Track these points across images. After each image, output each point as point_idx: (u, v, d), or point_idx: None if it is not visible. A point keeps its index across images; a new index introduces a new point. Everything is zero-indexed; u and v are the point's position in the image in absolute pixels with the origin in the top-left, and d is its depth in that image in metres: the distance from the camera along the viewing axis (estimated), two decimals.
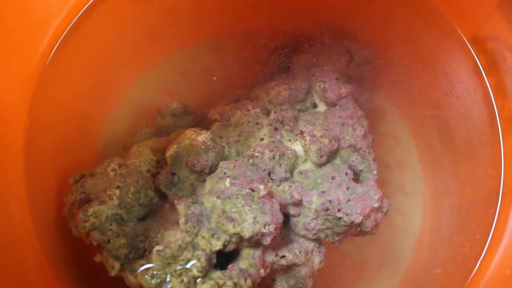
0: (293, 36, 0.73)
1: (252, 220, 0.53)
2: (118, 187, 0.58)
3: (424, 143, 0.74)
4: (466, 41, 0.68)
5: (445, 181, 0.72)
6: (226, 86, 0.73)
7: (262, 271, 0.56)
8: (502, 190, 0.66)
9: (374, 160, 0.63)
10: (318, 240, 0.61)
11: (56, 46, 0.66)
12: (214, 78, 0.72)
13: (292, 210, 0.59)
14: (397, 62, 0.73)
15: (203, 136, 0.60)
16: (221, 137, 0.63)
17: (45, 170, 0.65)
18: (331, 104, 0.66)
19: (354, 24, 0.72)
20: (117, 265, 0.56)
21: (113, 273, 0.56)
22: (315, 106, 0.68)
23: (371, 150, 0.64)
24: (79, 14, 0.68)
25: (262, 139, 0.63)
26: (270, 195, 0.56)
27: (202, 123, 0.68)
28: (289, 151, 0.61)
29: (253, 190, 0.55)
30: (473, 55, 0.68)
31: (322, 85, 0.66)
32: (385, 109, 0.75)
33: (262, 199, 0.55)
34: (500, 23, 0.64)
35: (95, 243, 0.57)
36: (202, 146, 0.59)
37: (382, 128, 0.75)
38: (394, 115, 0.75)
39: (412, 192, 0.74)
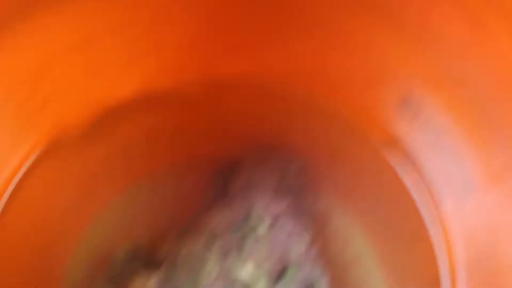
0: (229, 160, 0.75)
1: None
2: None
3: (374, 235, 0.75)
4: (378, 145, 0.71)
5: (403, 267, 0.73)
6: (170, 221, 0.74)
7: None
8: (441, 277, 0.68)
9: (323, 269, 0.64)
10: None
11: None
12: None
13: None
14: (330, 171, 0.75)
15: (150, 283, 0.61)
16: (171, 280, 0.63)
17: None
18: (271, 224, 0.68)
19: (284, 141, 0.74)
20: None
21: None
22: (257, 227, 0.69)
23: (318, 260, 0.65)
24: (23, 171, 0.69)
25: (210, 273, 0.64)
26: None
27: (154, 263, 0.69)
28: (239, 280, 0.62)
29: None
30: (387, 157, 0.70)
31: (260, 205, 0.68)
32: (331, 210, 0.76)
33: None
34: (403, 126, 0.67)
35: None
36: None
37: (331, 228, 0.76)
38: (341, 213, 0.76)
39: (373, 284, 0.74)
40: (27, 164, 0.69)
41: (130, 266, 0.70)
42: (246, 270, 0.63)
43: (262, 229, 0.68)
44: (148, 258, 0.70)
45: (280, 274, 0.63)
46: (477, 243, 0.66)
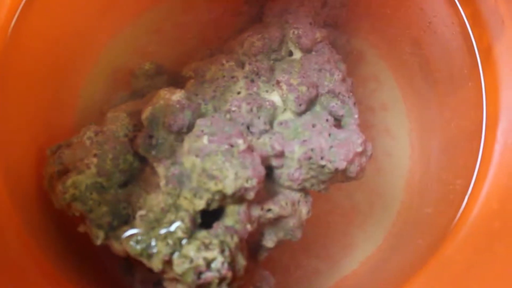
0: None
1: (234, 176, 0.52)
2: (95, 155, 0.57)
3: (406, 82, 0.73)
4: None
5: (430, 118, 0.71)
6: (199, 42, 0.71)
7: (248, 226, 0.55)
8: (485, 123, 0.65)
9: (355, 104, 0.62)
10: (303, 190, 0.60)
11: (18, 12, 0.63)
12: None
13: (274, 162, 0.58)
14: (372, 2, 0.71)
15: (177, 95, 0.59)
16: (196, 95, 0.61)
17: (20, 144, 0.63)
18: (306, 51, 0.65)
19: None
20: (101, 234, 0.55)
21: (98, 242, 0.55)
22: (290, 54, 0.66)
23: (351, 94, 0.63)
24: None
25: (239, 93, 0.61)
26: (250, 149, 0.55)
27: (177, 81, 0.67)
28: (267, 102, 0.60)
29: (232, 146, 0.54)
30: None
31: (295, 32, 0.65)
32: (364, 51, 0.74)
33: (242, 153, 0.54)
34: None
35: (77, 214, 0.56)
36: (177, 105, 0.58)
37: (362, 71, 0.74)
38: (374, 56, 0.73)
39: (398, 133, 0.73)
40: None
41: (154, 81, 0.68)
42: (275, 93, 0.61)
43: (295, 56, 0.65)
44: (172, 75, 0.68)
45: (310, 102, 0.61)
46: None
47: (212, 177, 0.52)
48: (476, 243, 0.62)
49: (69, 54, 0.69)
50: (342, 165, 0.57)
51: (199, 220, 0.54)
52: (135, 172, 0.58)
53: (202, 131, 0.55)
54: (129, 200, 0.56)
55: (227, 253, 0.52)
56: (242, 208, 0.55)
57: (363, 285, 0.70)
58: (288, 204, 0.58)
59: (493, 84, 0.65)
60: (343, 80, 0.63)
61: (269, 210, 0.57)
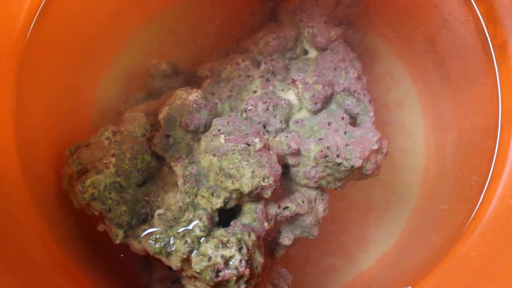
0: None
1: (251, 174, 0.53)
2: (113, 155, 0.57)
3: (421, 80, 0.73)
4: None
5: (445, 116, 0.71)
6: (214, 41, 0.71)
7: (266, 224, 0.55)
8: (501, 119, 0.65)
9: (370, 101, 0.62)
10: (320, 188, 0.61)
11: (35, 17, 0.64)
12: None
13: (291, 160, 0.58)
14: (385, 5, 0.71)
15: (194, 95, 0.59)
16: (213, 94, 0.62)
17: (40, 145, 0.64)
18: (321, 49, 0.65)
19: None
20: (120, 233, 0.56)
21: (117, 241, 0.56)
22: (305, 52, 0.66)
23: (366, 91, 0.63)
24: None
25: (254, 92, 0.62)
26: (266, 147, 0.55)
27: (193, 81, 0.67)
28: (283, 101, 0.60)
29: (248, 144, 0.54)
30: None
31: (310, 31, 0.65)
32: (379, 49, 0.74)
33: (259, 152, 0.54)
34: None
35: (97, 213, 0.57)
36: (194, 105, 0.58)
37: (377, 68, 0.74)
38: (389, 53, 0.73)
39: (413, 130, 0.73)
40: None
41: (170, 81, 0.68)
42: (291, 92, 0.61)
43: (311, 54, 0.66)
44: (188, 75, 0.68)
45: (326, 100, 0.61)
46: None
47: (229, 176, 0.53)
48: (492, 240, 0.62)
49: (85, 57, 0.70)
50: (358, 162, 0.57)
51: (216, 219, 0.54)
52: (153, 171, 0.59)
53: (219, 130, 0.56)
54: (147, 199, 0.57)
55: (244, 251, 0.52)
56: (259, 206, 0.55)
57: (380, 281, 0.70)
58: (305, 202, 0.59)
59: (509, 81, 0.65)
60: (358, 78, 0.63)
61: (286, 208, 0.58)
